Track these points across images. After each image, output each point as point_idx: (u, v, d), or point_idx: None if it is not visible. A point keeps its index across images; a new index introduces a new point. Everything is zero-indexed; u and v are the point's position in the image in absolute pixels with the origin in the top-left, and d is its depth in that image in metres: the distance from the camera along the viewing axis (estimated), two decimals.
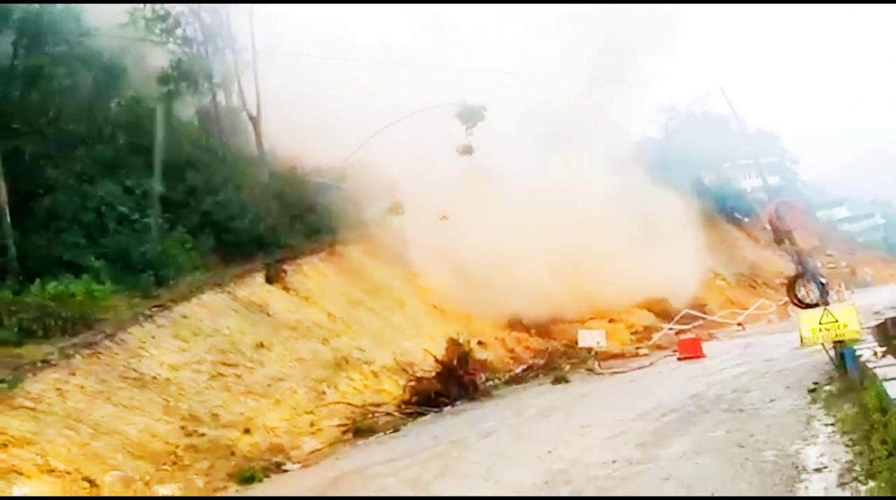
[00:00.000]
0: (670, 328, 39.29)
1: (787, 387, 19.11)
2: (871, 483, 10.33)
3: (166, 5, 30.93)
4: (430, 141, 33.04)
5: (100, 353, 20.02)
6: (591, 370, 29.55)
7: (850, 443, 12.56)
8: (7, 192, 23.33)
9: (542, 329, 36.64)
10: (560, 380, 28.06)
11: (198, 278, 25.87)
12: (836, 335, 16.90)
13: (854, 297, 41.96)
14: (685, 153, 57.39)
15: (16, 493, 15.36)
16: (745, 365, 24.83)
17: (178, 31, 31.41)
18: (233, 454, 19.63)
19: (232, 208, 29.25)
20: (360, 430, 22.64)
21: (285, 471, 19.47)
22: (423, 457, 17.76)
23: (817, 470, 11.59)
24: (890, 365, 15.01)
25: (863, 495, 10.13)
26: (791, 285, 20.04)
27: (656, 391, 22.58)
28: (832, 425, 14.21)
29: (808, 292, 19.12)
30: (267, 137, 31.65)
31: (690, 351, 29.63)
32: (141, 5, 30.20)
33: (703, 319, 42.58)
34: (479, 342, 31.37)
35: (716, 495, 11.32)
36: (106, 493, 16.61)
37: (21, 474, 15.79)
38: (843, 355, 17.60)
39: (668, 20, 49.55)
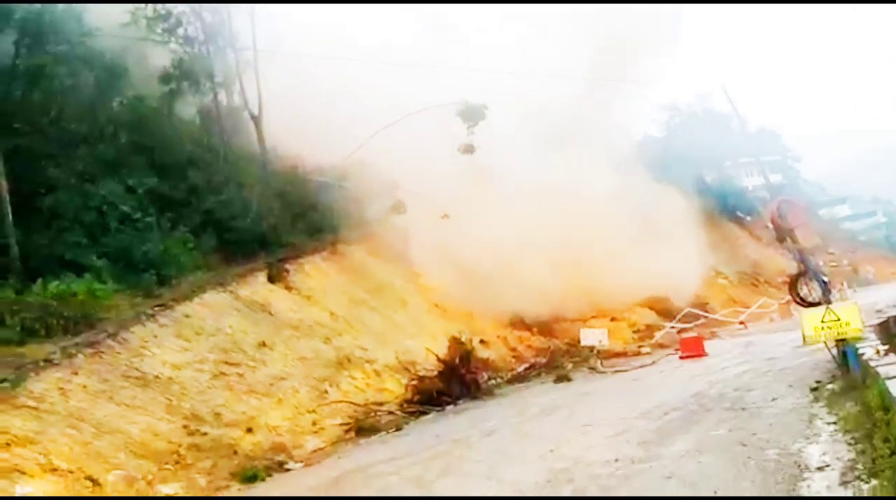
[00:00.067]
0: (672, 327, 39.27)
1: (790, 385, 19.10)
2: (874, 482, 10.31)
3: (168, 5, 30.96)
4: (432, 140, 33.02)
5: (102, 352, 20.05)
6: (593, 369, 29.53)
7: (852, 441, 12.55)
8: (9, 191, 23.36)
9: (545, 328, 36.62)
10: (562, 379, 28.06)
11: (200, 278, 25.90)
12: (839, 334, 16.87)
13: (856, 295, 41.94)
14: (687, 152, 57.37)
15: (18, 492, 15.37)
16: (747, 364, 24.81)
17: (180, 31, 31.50)
18: (235, 452, 19.65)
19: (234, 207, 29.29)
20: (362, 429, 22.67)
21: (288, 470, 19.48)
22: (426, 456, 17.77)
23: (820, 469, 11.57)
24: (892, 363, 14.97)
25: (865, 493, 10.11)
26: (793, 284, 20.02)
27: (658, 390, 22.57)
28: (834, 423, 14.19)
29: (811, 291, 19.10)
30: (268, 136, 31.61)
31: (692, 350, 29.61)
32: (142, 5, 30.24)
33: (705, 317, 42.54)
34: (482, 341, 31.34)
35: (718, 493, 11.31)
36: (109, 492, 16.63)
37: (24, 473, 15.80)
38: (845, 353, 17.59)
39: (670, 19, 49.52)
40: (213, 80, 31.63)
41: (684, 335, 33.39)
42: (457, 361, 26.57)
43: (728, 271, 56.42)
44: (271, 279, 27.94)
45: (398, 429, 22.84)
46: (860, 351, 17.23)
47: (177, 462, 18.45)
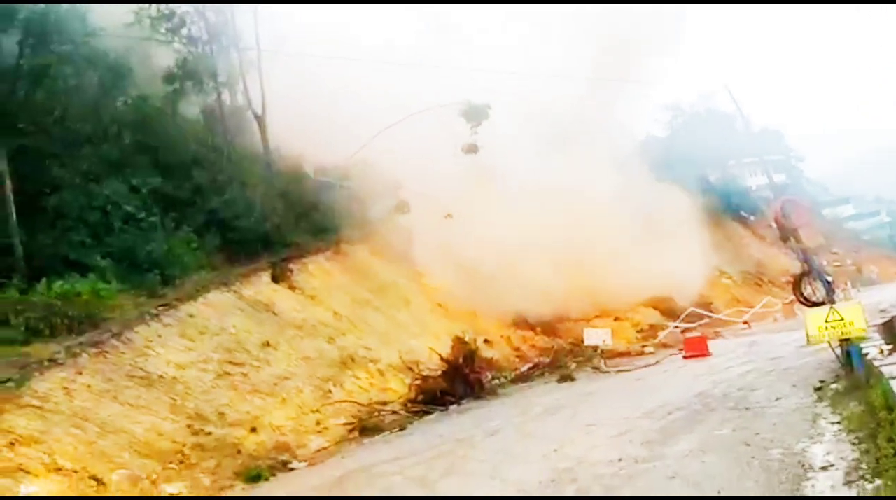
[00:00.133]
0: (676, 327, 39.29)
1: (794, 385, 19.12)
2: (878, 481, 10.32)
3: (171, 5, 31.00)
4: (435, 140, 33.04)
5: (106, 352, 20.07)
6: (596, 369, 29.54)
7: (856, 441, 12.55)
8: (13, 191, 23.40)
9: (548, 327, 36.63)
10: (566, 378, 28.06)
11: (204, 277, 25.93)
12: (843, 333, 16.88)
13: (860, 295, 41.85)
14: (690, 151, 57.33)
15: (23, 492, 15.40)
16: (750, 363, 24.83)
17: (184, 31, 31.51)
18: (239, 452, 19.67)
19: (237, 207, 29.30)
20: (366, 428, 22.68)
21: (291, 470, 19.50)
22: (429, 456, 17.79)
23: (824, 468, 11.58)
24: None
25: (869, 492, 10.11)
26: (797, 283, 20.02)
27: (662, 390, 22.59)
28: (838, 423, 14.20)
29: (814, 290, 19.09)
30: (272, 135, 31.65)
31: (696, 349, 29.62)
32: (146, 5, 30.29)
33: (709, 317, 42.53)
34: (485, 341, 31.35)
35: (722, 493, 11.32)
36: (113, 491, 16.66)
37: (28, 472, 15.84)
38: (849, 353, 17.59)
39: (673, 19, 49.55)
40: (216, 80, 31.65)
41: (688, 335, 33.45)
42: (460, 360, 26.60)
43: (732, 271, 56.38)
44: (275, 279, 27.97)
45: (402, 429, 22.85)
46: (864, 351, 17.25)
47: (181, 462, 18.48)
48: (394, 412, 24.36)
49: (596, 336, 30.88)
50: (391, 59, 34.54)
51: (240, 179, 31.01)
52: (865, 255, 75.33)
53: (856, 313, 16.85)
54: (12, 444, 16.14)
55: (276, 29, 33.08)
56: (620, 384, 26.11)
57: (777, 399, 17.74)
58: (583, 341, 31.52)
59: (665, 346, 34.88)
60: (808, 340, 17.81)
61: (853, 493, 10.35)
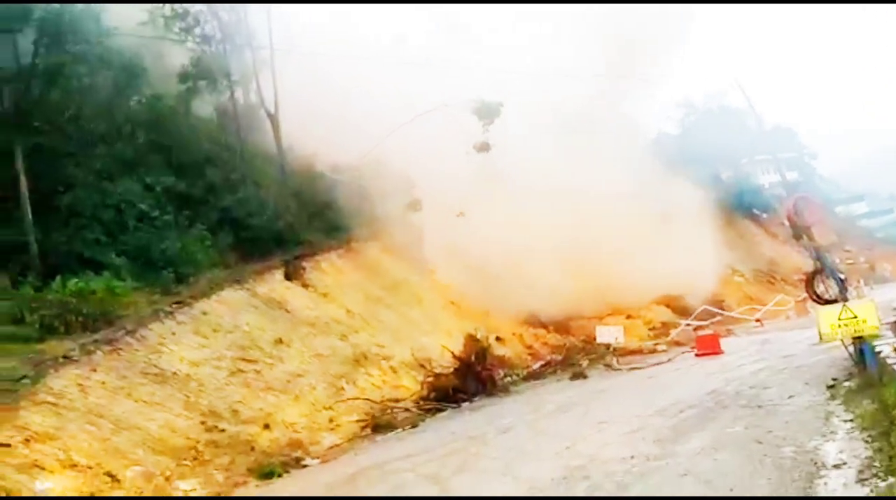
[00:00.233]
0: (688, 324, 39.25)
1: (806, 383, 19.10)
2: (891, 479, 10.32)
3: (185, 4, 31.09)
4: (446, 139, 33.03)
5: (120, 349, 20.20)
6: (608, 366, 29.53)
7: (869, 439, 12.55)
8: (28, 189, 23.52)
9: (560, 325, 36.66)
10: (578, 376, 28.07)
11: (217, 275, 26.01)
12: (855, 331, 16.85)
13: (873, 293, 41.67)
14: (702, 149, 57.08)
15: (38, 488, 15.51)
16: (763, 361, 24.81)
17: (197, 30, 31.56)
18: (252, 449, 19.77)
19: (250, 205, 29.39)
20: (378, 426, 22.75)
21: (304, 466, 19.58)
22: (442, 453, 17.85)
23: (836, 466, 11.59)
24: None
25: (882, 490, 10.11)
26: (809, 281, 19.98)
27: (674, 387, 22.60)
28: (851, 421, 14.19)
29: (827, 288, 19.06)
30: (285, 134, 31.71)
31: (708, 347, 29.59)
32: (160, 4, 30.41)
33: (721, 315, 42.45)
34: (497, 338, 31.40)
35: (733, 490, 11.32)
36: (127, 488, 16.76)
37: (43, 469, 15.95)
38: (862, 351, 17.56)
39: (683, 17, 49.45)
40: (229, 79, 31.69)
41: (700, 333, 33.36)
42: (472, 358, 26.64)
43: (744, 269, 56.20)
44: (288, 277, 28.08)
45: (414, 426, 22.92)
46: (877, 349, 17.22)
47: (194, 459, 18.58)
48: (406, 410, 24.43)
49: (608, 334, 30.87)
50: (402, 57, 34.62)
51: (253, 178, 31.11)
52: (879, 252, 74.79)
53: (869, 311, 16.81)
54: (28, 440, 16.26)
55: (288, 28, 33.16)
56: (632, 382, 26.11)
57: (790, 397, 17.74)
58: (595, 339, 31.51)
59: (677, 344, 34.80)
60: (820, 338, 17.81)
61: (866, 491, 10.35)
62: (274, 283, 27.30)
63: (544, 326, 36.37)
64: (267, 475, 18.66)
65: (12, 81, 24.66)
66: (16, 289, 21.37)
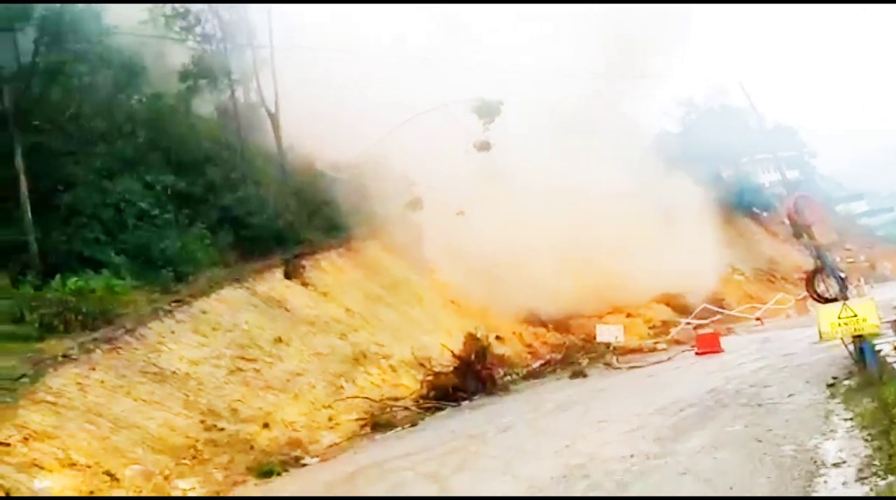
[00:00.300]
0: (688, 323, 39.24)
1: (806, 382, 19.10)
2: (891, 478, 10.31)
3: (186, 3, 31.09)
4: (447, 138, 33.02)
5: (120, 348, 20.20)
6: (608, 365, 29.53)
7: (869, 438, 12.54)
8: (28, 188, 23.52)
9: (560, 324, 36.64)
10: (578, 375, 28.07)
11: (217, 274, 26.00)
12: (855, 330, 16.85)
13: (873, 291, 41.69)
14: (703, 148, 57.01)
15: (37, 486, 15.49)
16: (763, 360, 24.80)
17: (198, 29, 31.56)
18: (252, 448, 19.76)
19: (250, 204, 29.37)
20: (378, 424, 22.74)
21: (304, 465, 19.57)
22: (441, 451, 17.84)
23: (836, 465, 11.58)
24: None
25: (881, 489, 10.09)
26: (810, 280, 19.99)
27: (674, 386, 22.59)
28: (851, 419, 14.19)
29: (827, 287, 19.06)
30: (285, 132, 31.74)
31: (708, 346, 29.59)
32: (160, 3, 30.42)
33: (722, 313, 42.44)
34: (497, 337, 31.39)
35: (733, 489, 11.31)
36: (126, 486, 16.74)
37: (42, 467, 15.94)
38: (862, 349, 17.56)
39: (683, 15, 49.47)
40: (230, 78, 31.71)
41: (700, 332, 33.36)
42: (472, 357, 26.64)
43: (744, 268, 56.18)
44: (287, 275, 28.07)
45: (414, 425, 22.92)
46: (877, 347, 17.20)
47: (194, 457, 18.57)
48: (406, 408, 24.43)
49: (608, 333, 30.87)
50: (403, 57, 34.64)
51: (253, 177, 31.10)
52: (879, 251, 74.80)
53: (869, 310, 16.82)
54: (27, 439, 16.25)
55: (289, 27, 33.18)
56: (632, 381, 26.12)
57: (790, 396, 17.73)
58: (595, 338, 31.50)
59: (677, 342, 34.82)
60: (820, 336, 17.81)
61: (866, 489, 10.33)
62: (273, 281, 27.29)
63: (544, 324, 36.36)
64: (266, 473, 18.65)
65: (13, 80, 24.69)
66: (15, 288, 21.38)
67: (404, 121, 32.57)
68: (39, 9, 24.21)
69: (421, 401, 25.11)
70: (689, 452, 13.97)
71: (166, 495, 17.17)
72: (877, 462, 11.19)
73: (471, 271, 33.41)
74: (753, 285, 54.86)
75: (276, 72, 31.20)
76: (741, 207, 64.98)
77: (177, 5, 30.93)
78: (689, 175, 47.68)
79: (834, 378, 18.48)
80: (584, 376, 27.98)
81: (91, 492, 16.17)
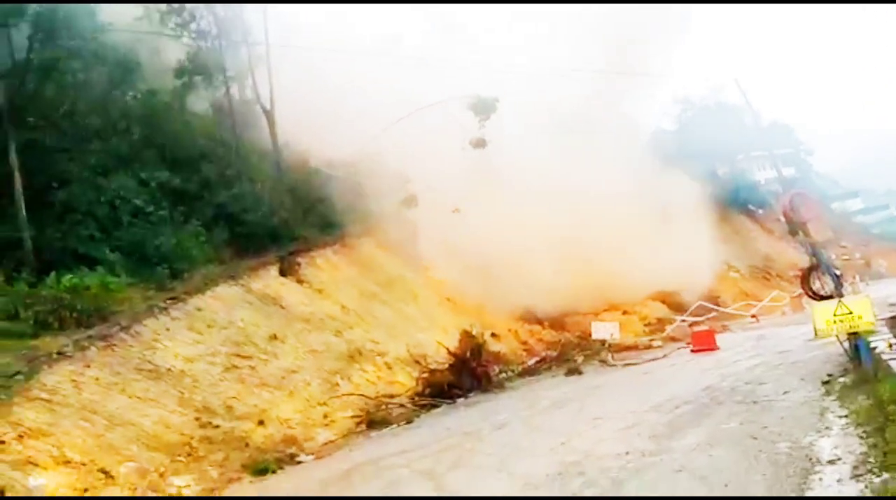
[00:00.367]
0: (683, 320, 39.29)
1: (801, 379, 19.10)
2: (886, 475, 10.30)
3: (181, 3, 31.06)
4: (442, 136, 33.03)
5: (115, 345, 20.13)
6: (604, 362, 29.57)
7: (864, 435, 12.54)
8: (22, 185, 23.46)
9: (556, 321, 36.68)
10: (573, 372, 28.11)
11: (212, 271, 25.96)
12: (851, 327, 16.86)
13: (868, 288, 41.80)
14: (699, 145, 57.14)
15: (32, 484, 15.44)
16: (758, 357, 24.81)
17: (193, 25, 31.55)
18: (247, 445, 19.71)
19: (246, 201, 29.34)
20: (373, 422, 22.71)
21: (299, 463, 19.52)
22: (437, 449, 17.83)
23: (831, 462, 11.57)
24: None
25: (876, 486, 10.08)
26: (805, 277, 19.96)
27: (669, 383, 22.59)
28: (846, 416, 14.18)
29: (823, 284, 19.04)
30: (280, 130, 31.69)
31: (704, 343, 29.61)
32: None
33: (717, 311, 42.53)
34: (493, 334, 31.42)
35: (728, 487, 11.30)
36: (121, 484, 16.68)
37: (37, 465, 15.87)
38: (857, 346, 17.56)
39: (681, 15, 49.53)
40: (225, 74, 31.67)
41: (696, 329, 33.39)
42: (468, 354, 26.64)
43: (740, 265, 56.29)
44: (283, 273, 28.04)
45: (409, 422, 22.91)
46: (872, 345, 17.24)
47: (189, 455, 18.51)
48: (401, 406, 24.42)
49: (603, 330, 30.91)
50: (398, 54, 34.60)
51: (248, 174, 31.07)
52: (874, 249, 75.05)
53: (864, 307, 16.82)
54: (21, 437, 16.19)
55: (284, 24, 33.12)
56: (628, 378, 26.15)
57: (785, 393, 17.73)
58: (590, 335, 31.58)
59: (673, 340, 34.89)
60: (816, 333, 17.83)
61: (861, 486, 10.32)
62: (269, 279, 27.26)
63: (540, 322, 36.39)
64: (261, 471, 18.59)
65: (7, 77, 24.63)
66: (10, 285, 21.30)
67: (400, 118, 32.57)
68: (33, 5, 24.15)
69: (416, 398, 25.10)
70: (684, 449, 13.96)
71: (161, 492, 17.13)
72: (872, 459, 11.18)
73: (466, 268, 33.41)
74: (749, 282, 54.96)
75: (272, 69, 31.17)
76: (737, 205, 65.10)
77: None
78: (685, 172, 47.75)
79: (829, 375, 18.48)
80: (580, 373, 28.01)
81: (86, 490, 16.10)
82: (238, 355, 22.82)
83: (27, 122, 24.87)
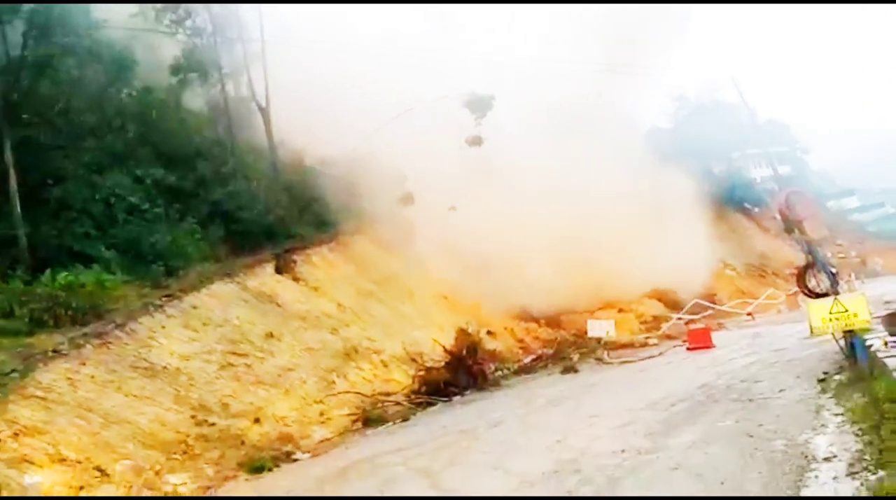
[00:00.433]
0: (679, 318, 39.27)
1: (797, 377, 19.10)
2: (881, 473, 10.30)
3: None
4: (439, 133, 33.03)
5: (110, 343, 20.11)
6: (600, 360, 29.57)
7: (859, 433, 12.54)
8: (17, 182, 23.41)
9: (551, 319, 36.67)
10: (569, 370, 28.08)
11: (207, 269, 25.96)
12: (846, 325, 16.83)
13: (864, 287, 41.81)
14: (695, 143, 57.11)
15: (27, 482, 15.42)
16: (754, 355, 24.82)
17: (188, 22, 31.46)
18: (243, 443, 19.70)
19: (241, 199, 29.32)
20: (369, 419, 22.72)
21: (295, 460, 19.52)
22: (433, 446, 17.83)
23: (827, 459, 11.57)
24: None
25: (872, 484, 10.08)
26: (801, 275, 19.96)
27: (665, 381, 22.59)
28: (842, 414, 14.18)
29: (819, 282, 19.04)
30: (276, 127, 31.67)
31: (700, 341, 29.60)
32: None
33: (713, 309, 42.54)
34: (489, 332, 31.41)
35: (724, 485, 11.30)
36: (117, 482, 16.67)
37: (33, 463, 15.87)
38: (853, 344, 17.57)
39: (679, 14, 49.53)
40: (220, 72, 31.62)
41: (692, 327, 33.37)
42: (464, 352, 26.63)
43: (736, 263, 56.26)
44: (279, 270, 28.01)
45: (405, 420, 22.91)
46: (868, 343, 17.23)
47: (185, 452, 18.51)
48: (397, 403, 24.42)
49: (599, 328, 30.94)
50: (395, 52, 34.56)
51: (244, 172, 31.05)
52: (870, 247, 75.01)
53: (860, 305, 16.80)
54: (17, 434, 16.18)
55: (280, 21, 33.06)
56: (624, 376, 26.13)
57: (781, 391, 17.74)
58: (586, 333, 31.55)
59: (669, 337, 34.86)
60: (811, 331, 17.83)
61: (856, 484, 10.32)
62: (264, 276, 27.24)
63: (536, 320, 36.38)
64: (257, 469, 18.59)
65: (1, 73, 24.60)
66: (5, 283, 21.27)
67: (396, 116, 32.53)
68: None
69: (412, 396, 25.10)
70: (680, 447, 13.96)
71: (157, 490, 17.11)
72: (867, 457, 11.19)
73: (462, 266, 33.37)
74: (745, 280, 54.96)
75: (268, 66, 31.13)
76: (733, 203, 65.07)
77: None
78: (681, 170, 47.71)
79: (825, 373, 18.49)
80: (576, 371, 28.00)
81: (81, 488, 16.10)
82: (234, 353, 22.80)
83: (22, 119, 24.81)
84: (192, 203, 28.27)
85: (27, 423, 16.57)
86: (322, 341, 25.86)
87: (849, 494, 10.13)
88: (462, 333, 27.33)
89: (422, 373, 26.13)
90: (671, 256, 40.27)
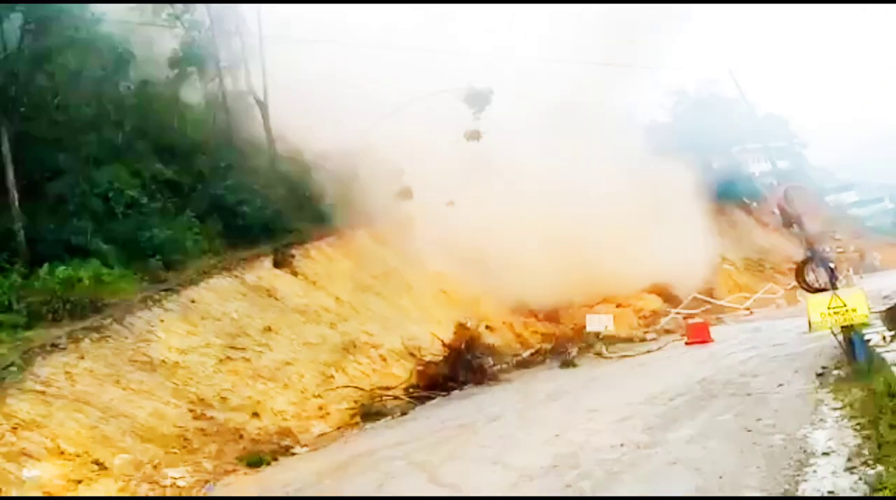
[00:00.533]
0: (678, 313, 39.26)
1: (796, 371, 19.12)
2: (880, 467, 10.29)
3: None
4: (438, 128, 32.95)
5: (108, 337, 20.13)
6: (598, 355, 29.56)
7: (858, 427, 12.54)
8: (15, 176, 23.37)
9: (550, 314, 36.65)
10: (568, 364, 28.08)
11: (206, 263, 25.95)
12: (845, 320, 16.83)
13: (862, 281, 41.86)
14: (694, 137, 56.98)
15: (26, 476, 15.42)
16: (753, 350, 24.82)
17: (186, 16, 31.38)
18: (241, 437, 19.72)
19: (240, 193, 29.25)
20: (368, 414, 22.73)
21: (294, 454, 19.54)
22: (432, 441, 17.84)
23: (825, 454, 11.57)
24: None
25: (871, 478, 10.08)
26: (800, 270, 19.95)
27: (664, 376, 22.59)
28: (840, 409, 14.18)
29: (817, 277, 19.02)
30: (274, 121, 31.60)
31: (698, 336, 29.61)
32: None
33: (711, 303, 42.49)
34: (487, 327, 31.37)
35: (723, 479, 11.30)
36: (115, 475, 16.67)
37: (31, 456, 15.89)
38: (851, 339, 17.55)
39: (678, 11, 49.39)
40: (218, 65, 31.56)
41: (690, 321, 33.39)
42: (462, 346, 26.63)
43: (734, 257, 56.26)
44: (277, 264, 27.98)
45: (404, 414, 22.93)
46: (866, 337, 17.24)
47: (183, 447, 18.52)
48: (396, 398, 24.42)
49: (598, 322, 30.93)
50: (393, 46, 34.45)
51: (242, 166, 30.96)
52: (868, 241, 75.05)
53: (858, 300, 16.81)
54: (15, 428, 16.20)
55: (278, 15, 32.95)
56: (622, 370, 26.13)
57: (779, 385, 17.75)
58: (585, 328, 31.53)
59: (667, 332, 34.88)
60: (810, 326, 17.79)
61: (854, 479, 10.32)
62: (263, 271, 27.22)
63: (534, 314, 36.35)
64: (256, 463, 18.63)
65: None
66: (3, 277, 21.26)
67: (394, 110, 32.44)
68: None
69: (411, 390, 25.10)
70: (678, 441, 13.97)
71: (155, 484, 17.10)
72: (866, 452, 11.19)
73: (461, 260, 33.32)
74: (743, 275, 54.98)
75: (266, 60, 31.06)
76: (731, 197, 64.92)
77: None
78: (680, 165, 47.63)
79: (823, 368, 18.50)
80: (574, 365, 27.99)
81: (80, 481, 16.11)
82: (232, 347, 22.80)
83: (19, 113, 24.72)
84: (191, 197, 28.26)
85: (26, 417, 16.58)
86: (320, 336, 25.86)
87: (847, 489, 10.12)
88: (461, 327, 27.33)
89: (420, 367, 26.13)
90: (670, 250, 40.19)
